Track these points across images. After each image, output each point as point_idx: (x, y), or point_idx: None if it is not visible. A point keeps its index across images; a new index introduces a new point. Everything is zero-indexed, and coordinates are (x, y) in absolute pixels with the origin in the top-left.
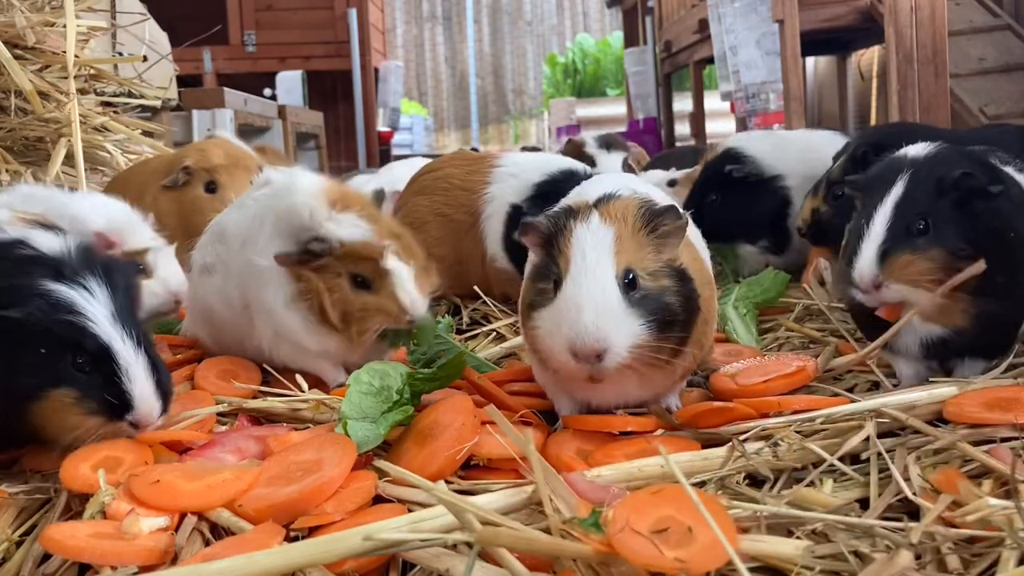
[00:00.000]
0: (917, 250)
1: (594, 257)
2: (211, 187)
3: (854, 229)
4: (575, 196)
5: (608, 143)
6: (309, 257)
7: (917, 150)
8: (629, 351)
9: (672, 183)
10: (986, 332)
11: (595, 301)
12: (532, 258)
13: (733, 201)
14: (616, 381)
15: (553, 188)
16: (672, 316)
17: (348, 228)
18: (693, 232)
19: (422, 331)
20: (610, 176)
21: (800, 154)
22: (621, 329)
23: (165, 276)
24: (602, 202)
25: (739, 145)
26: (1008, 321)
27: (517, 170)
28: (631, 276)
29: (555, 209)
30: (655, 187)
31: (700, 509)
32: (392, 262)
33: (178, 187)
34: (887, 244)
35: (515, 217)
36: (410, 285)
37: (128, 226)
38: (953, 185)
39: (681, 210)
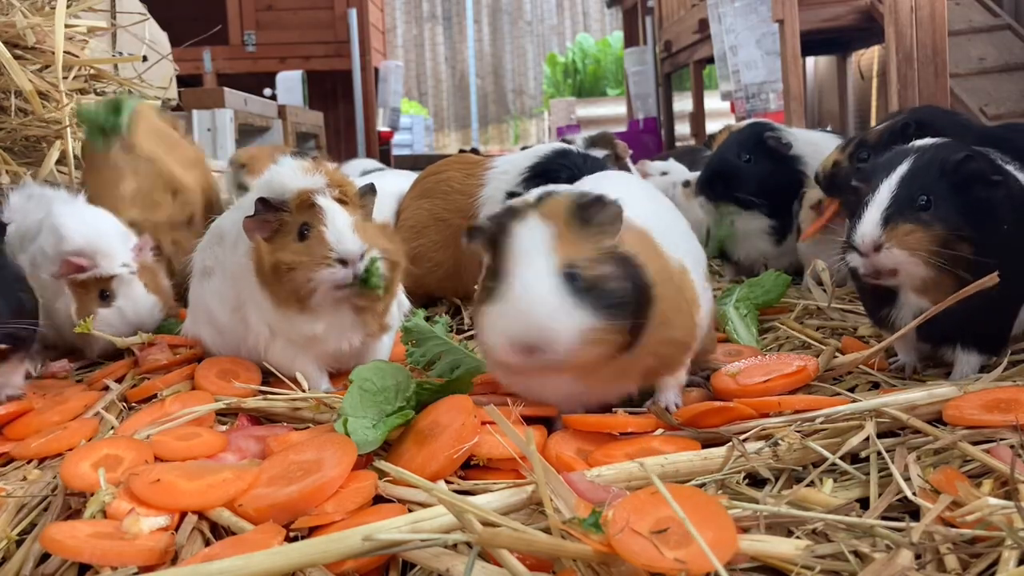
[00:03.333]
0: (920, 222)
1: (533, 252)
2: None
3: (860, 208)
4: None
5: (593, 142)
6: (267, 213)
7: (923, 142)
8: (580, 339)
9: (687, 184)
10: (975, 315)
11: (536, 292)
12: (485, 260)
13: (758, 165)
14: (571, 380)
15: (545, 167)
16: (619, 299)
17: (298, 179)
18: (660, 228)
19: (409, 332)
20: (602, 176)
21: (822, 150)
22: (565, 319)
23: (122, 306)
24: (541, 200)
25: (773, 123)
26: (998, 308)
27: (508, 166)
28: (571, 270)
29: (498, 210)
30: (648, 187)
31: (679, 514)
32: (322, 200)
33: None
34: (891, 210)
35: None
36: (340, 222)
37: (102, 250)
38: (954, 168)
39: (613, 199)
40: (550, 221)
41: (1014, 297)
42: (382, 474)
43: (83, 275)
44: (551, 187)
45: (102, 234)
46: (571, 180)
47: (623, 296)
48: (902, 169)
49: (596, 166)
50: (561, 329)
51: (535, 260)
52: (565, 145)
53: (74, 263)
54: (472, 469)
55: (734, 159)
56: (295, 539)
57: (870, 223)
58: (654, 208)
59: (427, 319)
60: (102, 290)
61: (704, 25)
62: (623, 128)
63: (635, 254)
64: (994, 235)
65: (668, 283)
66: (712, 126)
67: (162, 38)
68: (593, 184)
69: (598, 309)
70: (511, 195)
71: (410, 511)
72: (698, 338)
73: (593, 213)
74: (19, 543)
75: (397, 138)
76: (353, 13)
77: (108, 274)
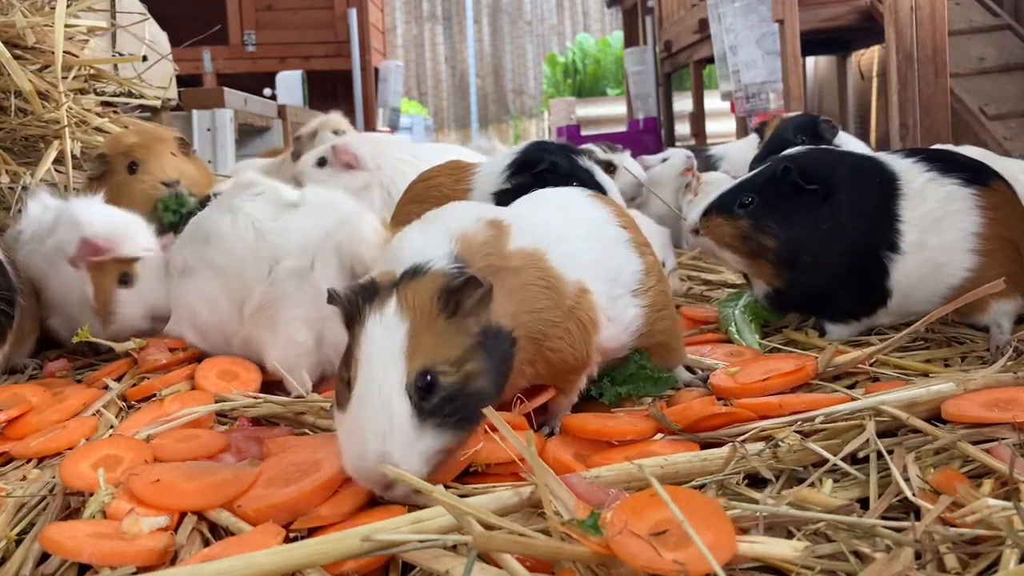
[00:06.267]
0: (730, 216)
1: (381, 366)
2: (132, 167)
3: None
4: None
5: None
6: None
7: (795, 148)
8: (427, 467)
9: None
10: (801, 295)
11: (379, 426)
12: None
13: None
14: None
15: (522, 159)
16: (483, 395)
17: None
18: (562, 249)
19: None
20: (530, 196)
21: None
22: (412, 452)
23: (143, 291)
24: (405, 280)
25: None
26: (817, 290)
27: (491, 168)
28: (428, 377)
29: (359, 283)
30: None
31: (677, 516)
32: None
33: (101, 177)
34: (712, 205)
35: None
36: None
37: (122, 233)
38: (780, 175)
39: (484, 277)
40: (410, 314)
41: (834, 283)
42: None
43: (101, 257)
44: (420, 263)
45: (121, 221)
46: (552, 169)
47: (487, 388)
48: (750, 173)
49: (573, 153)
50: (412, 461)
51: (384, 374)
52: (536, 139)
53: (92, 243)
54: (470, 476)
55: (791, 139)
56: (295, 540)
57: (695, 212)
58: (562, 226)
59: None
60: (123, 273)
61: (704, 25)
62: (623, 128)
63: (501, 318)
64: (811, 233)
65: (554, 309)
66: (712, 126)
67: (162, 38)
68: (519, 203)
69: (457, 419)
70: (497, 194)
71: (409, 513)
72: (595, 356)
73: (464, 299)
74: (18, 543)
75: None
76: (353, 13)
77: (131, 256)
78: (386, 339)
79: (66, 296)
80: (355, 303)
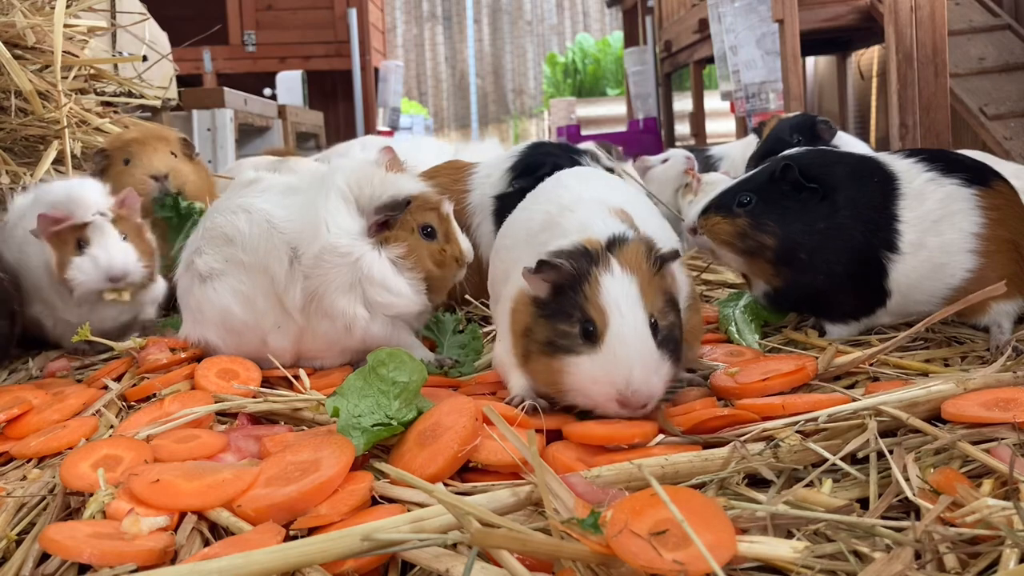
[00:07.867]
0: (729, 214)
1: (630, 312)
2: (127, 162)
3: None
4: (568, 217)
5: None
6: (392, 215)
7: (794, 148)
8: (664, 388)
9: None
10: (800, 295)
11: (643, 358)
12: (535, 292)
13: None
14: None
15: (524, 161)
16: (677, 343)
17: (414, 183)
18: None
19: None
20: (577, 176)
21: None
22: (661, 377)
23: (95, 254)
24: (615, 247)
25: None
26: (815, 289)
27: (490, 169)
28: (653, 322)
29: (568, 249)
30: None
31: (677, 516)
32: (448, 207)
33: (102, 173)
34: (711, 204)
35: (501, 208)
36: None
37: (78, 201)
38: (780, 173)
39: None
40: (634, 272)
41: (833, 283)
42: (381, 474)
43: (58, 227)
44: (614, 229)
45: (78, 186)
46: (555, 169)
47: (679, 339)
48: (749, 173)
49: (574, 153)
50: (661, 384)
51: (634, 318)
52: (532, 140)
53: (50, 216)
54: (470, 472)
55: (788, 139)
56: (295, 539)
57: (694, 211)
58: (639, 205)
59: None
60: (78, 239)
61: (704, 25)
62: (623, 128)
63: (670, 286)
64: (806, 233)
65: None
66: (712, 126)
67: (162, 38)
68: (574, 180)
69: (672, 358)
70: (500, 197)
71: (408, 512)
72: None
73: (665, 263)
74: (18, 543)
75: (397, 138)
76: (353, 13)
77: (81, 221)
78: (625, 292)
79: (39, 277)
80: (579, 265)
